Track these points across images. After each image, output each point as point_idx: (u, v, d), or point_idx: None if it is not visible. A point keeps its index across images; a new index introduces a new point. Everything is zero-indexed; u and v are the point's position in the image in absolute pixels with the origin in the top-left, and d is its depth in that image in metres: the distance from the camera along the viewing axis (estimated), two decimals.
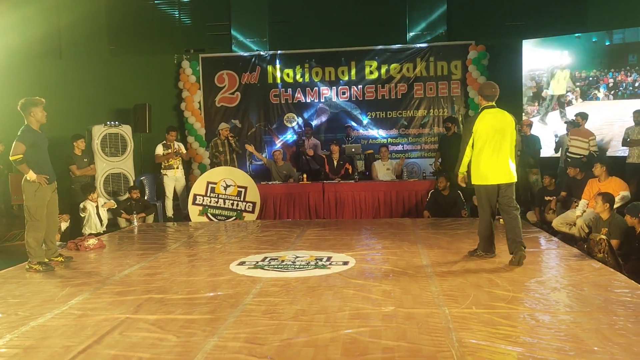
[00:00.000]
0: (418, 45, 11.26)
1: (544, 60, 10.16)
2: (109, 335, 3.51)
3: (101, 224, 7.91)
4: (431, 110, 11.25)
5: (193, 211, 8.87)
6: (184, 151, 9.61)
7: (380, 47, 11.29)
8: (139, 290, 4.59)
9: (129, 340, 3.42)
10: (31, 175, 5.40)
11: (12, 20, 11.11)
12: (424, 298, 4.16)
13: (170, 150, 9.33)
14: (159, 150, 9.34)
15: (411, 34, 11.46)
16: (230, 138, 9.43)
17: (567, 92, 9.89)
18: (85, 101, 11.44)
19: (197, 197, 8.88)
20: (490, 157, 5.21)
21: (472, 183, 5.34)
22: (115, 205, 8.51)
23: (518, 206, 5.36)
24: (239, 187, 8.89)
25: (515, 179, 5.30)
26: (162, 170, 9.41)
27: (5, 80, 11.50)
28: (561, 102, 9.96)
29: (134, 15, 12.10)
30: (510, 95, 10.52)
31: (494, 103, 5.35)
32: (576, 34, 9.91)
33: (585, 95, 9.74)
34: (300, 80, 11.47)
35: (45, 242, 5.69)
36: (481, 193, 5.36)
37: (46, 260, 5.55)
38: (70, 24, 11.77)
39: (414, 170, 10.71)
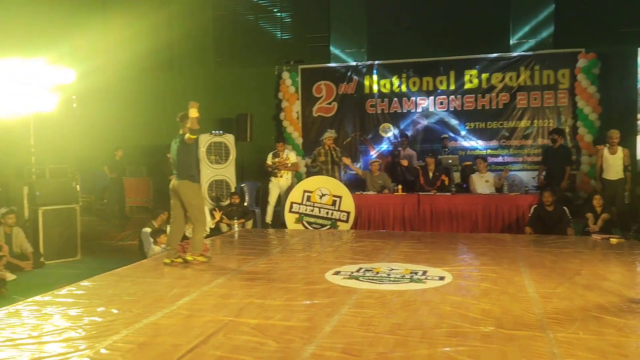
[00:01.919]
0: (522, 53, 10.86)
1: None
2: (214, 337, 3.70)
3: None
4: (535, 121, 10.78)
5: (289, 218, 9.11)
6: (293, 161, 9.84)
7: (481, 55, 11.01)
8: (241, 295, 4.79)
9: (233, 343, 3.59)
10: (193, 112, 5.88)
11: (127, 34, 12.02)
12: (526, 320, 4.00)
13: (278, 160, 9.66)
14: (269, 159, 9.70)
15: (514, 41, 11.07)
16: (332, 148, 9.60)
17: None
18: None
19: (294, 204, 9.11)
20: None
21: None
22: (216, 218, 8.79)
23: None
24: (334, 196, 9.01)
25: None
26: (270, 178, 9.76)
27: (123, 91, 12.46)
28: None
29: (238, 29, 12.69)
30: (622, 107, 9.86)
31: None
32: None
33: None
34: (397, 90, 11.44)
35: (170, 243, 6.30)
36: None
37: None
38: (181, 38, 12.55)
39: (514, 183, 10.29)
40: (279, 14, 12.64)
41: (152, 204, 11.93)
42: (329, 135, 9.80)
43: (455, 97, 11.15)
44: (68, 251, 8.05)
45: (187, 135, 5.98)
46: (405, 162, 10.01)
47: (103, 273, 5.85)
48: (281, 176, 9.69)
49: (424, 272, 5.60)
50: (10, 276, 6.67)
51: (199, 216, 6.25)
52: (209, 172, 10.01)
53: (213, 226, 8.55)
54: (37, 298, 4.76)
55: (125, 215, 11.45)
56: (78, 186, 8.83)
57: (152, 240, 7.39)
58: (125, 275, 5.66)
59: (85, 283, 5.33)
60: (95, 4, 12.93)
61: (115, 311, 4.34)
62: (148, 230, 7.58)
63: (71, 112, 9.64)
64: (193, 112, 5.89)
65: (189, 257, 6.22)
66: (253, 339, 3.65)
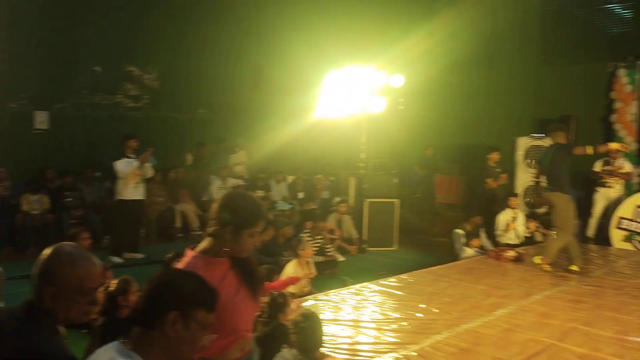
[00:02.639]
0: None
1: None
2: (535, 358, 3.57)
3: (518, 237, 8.05)
4: None
5: (616, 235, 8.12)
6: (627, 170, 8.75)
7: None
8: (563, 317, 4.49)
9: None
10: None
11: (449, 35, 12.30)
12: None
13: (611, 167, 8.70)
14: (598, 166, 8.78)
15: None
16: None
17: None
18: (511, 111, 11.77)
19: (623, 220, 8.08)
20: None
21: None
22: None
23: None
24: None
25: None
26: (596, 187, 8.87)
27: (441, 90, 12.85)
28: None
29: (567, 22, 11.78)
30: None
31: None
32: None
33: None
34: None
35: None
36: None
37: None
38: (504, 34, 12.26)
39: None
40: (616, 6, 11.25)
41: (461, 202, 12.10)
42: None
43: None
44: (386, 241, 8.79)
45: (589, 149, 5.97)
46: None
47: (419, 268, 6.22)
48: (611, 187, 8.65)
49: None
50: (340, 258, 7.64)
51: (563, 227, 6.19)
52: (525, 177, 9.62)
53: (529, 235, 8.21)
54: (367, 284, 5.33)
55: (435, 211, 11.88)
56: (396, 181, 9.57)
57: (464, 242, 7.51)
58: (442, 275, 5.89)
59: (404, 277, 5.74)
60: (424, 9, 13.64)
61: (435, 310, 4.56)
62: (460, 232, 7.72)
63: (396, 112, 10.42)
64: (616, 145, 6.21)
65: (536, 260, 6.26)
66: None
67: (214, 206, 2.11)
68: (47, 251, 1.77)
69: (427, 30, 12.80)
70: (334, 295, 4.93)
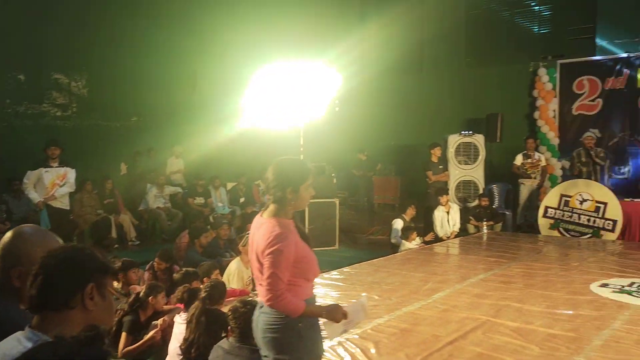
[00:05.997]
0: None
1: None
2: (472, 333, 3.72)
3: (450, 228, 8.36)
4: None
5: (543, 224, 8.56)
6: (544, 164, 9.34)
7: None
8: (496, 296, 4.70)
9: (492, 342, 3.57)
10: None
11: (381, 39, 12.61)
12: None
13: (529, 161, 9.22)
14: (518, 160, 9.31)
15: None
16: (593, 149, 8.79)
17: None
18: (441, 112, 12.21)
19: (549, 209, 8.53)
20: None
21: None
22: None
23: None
24: (597, 202, 8.18)
25: None
26: (519, 180, 9.37)
27: (374, 94, 13.14)
28: None
29: (491, 26, 12.36)
30: None
31: None
32: None
33: None
34: None
35: None
36: None
37: None
38: (432, 39, 12.71)
39: None
40: (536, 7, 11.94)
41: (398, 202, 12.38)
42: (590, 135, 8.99)
43: None
44: (328, 240, 8.86)
45: None
46: None
47: (360, 262, 6.32)
48: (535, 177, 9.19)
49: None
50: None
51: None
52: (457, 173, 9.99)
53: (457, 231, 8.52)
54: None
55: (373, 211, 12.12)
56: (335, 182, 9.70)
57: (402, 235, 7.71)
58: (382, 266, 6.02)
59: (346, 269, 5.83)
60: (355, 15, 13.91)
61: (376, 297, 4.66)
62: (399, 222, 7.98)
63: (333, 115, 10.51)
64: None
65: None
66: (514, 342, 3.57)
67: (269, 176, 2.41)
68: (9, 234, 1.76)
69: (359, 36, 13.04)
70: None
